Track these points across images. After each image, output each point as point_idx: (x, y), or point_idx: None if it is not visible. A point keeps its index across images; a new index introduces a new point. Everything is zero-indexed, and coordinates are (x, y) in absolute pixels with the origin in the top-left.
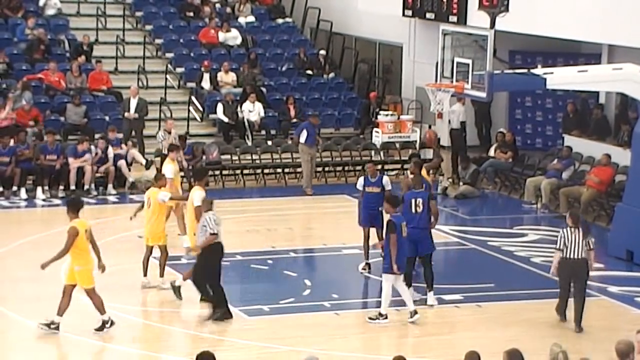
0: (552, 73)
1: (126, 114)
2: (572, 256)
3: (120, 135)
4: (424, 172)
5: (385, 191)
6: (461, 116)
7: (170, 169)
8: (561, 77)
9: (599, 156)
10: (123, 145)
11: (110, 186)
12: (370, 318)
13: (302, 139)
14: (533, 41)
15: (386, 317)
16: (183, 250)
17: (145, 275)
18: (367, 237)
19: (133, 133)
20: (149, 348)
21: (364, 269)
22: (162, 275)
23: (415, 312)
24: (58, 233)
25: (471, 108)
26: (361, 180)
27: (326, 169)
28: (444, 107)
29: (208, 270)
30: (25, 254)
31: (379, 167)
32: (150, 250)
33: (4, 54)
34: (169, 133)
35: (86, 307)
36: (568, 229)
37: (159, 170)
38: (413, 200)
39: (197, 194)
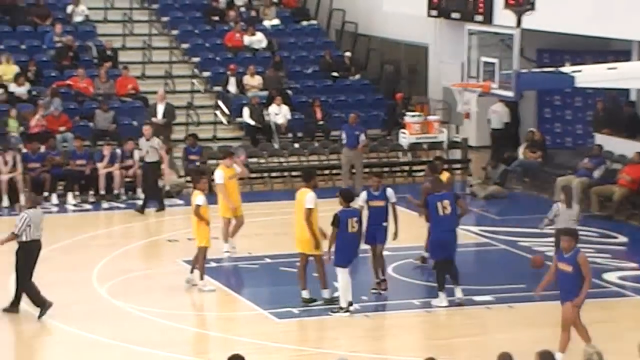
0: (580, 71)
1: (153, 119)
2: (561, 227)
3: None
4: (444, 176)
5: (390, 203)
6: (504, 117)
7: (219, 174)
8: (590, 75)
9: (631, 154)
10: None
11: (139, 190)
12: (332, 311)
13: (343, 141)
14: (561, 39)
15: (347, 310)
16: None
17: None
18: (375, 255)
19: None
20: (181, 352)
21: (374, 289)
22: (201, 277)
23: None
24: (89, 238)
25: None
26: (364, 194)
27: (352, 170)
28: (471, 107)
29: (23, 270)
30: (57, 259)
31: (381, 178)
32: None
33: (33, 62)
34: (147, 140)
35: (121, 313)
36: (560, 204)
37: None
38: (439, 203)
39: (199, 198)
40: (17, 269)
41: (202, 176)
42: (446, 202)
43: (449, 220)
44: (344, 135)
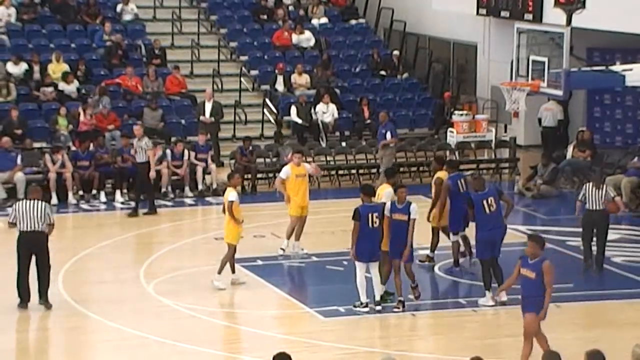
0: (631, 70)
1: (201, 118)
2: (593, 208)
3: (205, 139)
4: (442, 173)
5: (411, 219)
6: (558, 114)
7: (285, 171)
8: None
9: None
10: (210, 153)
11: (187, 189)
12: (354, 305)
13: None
14: (611, 38)
15: (366, 306)
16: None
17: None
18: (397, 270)
19: (209, 136)
20: (226, 349)
21: (396, 307)
22: (219, 272)
23: (366, 305)
24: (137, 235)
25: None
26: (388, 205)
27: (401, 169)
28: (519, 105)
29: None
30: (106, 256)
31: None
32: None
33: (83, 60)
34: (138, 140)
35: (168, 310)
36: (591, 185)
37: (232, 171)
38: (484, 202)
39: (232, 194)
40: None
41: (236, 173)
42: (491, 200)
43: (495, 218)
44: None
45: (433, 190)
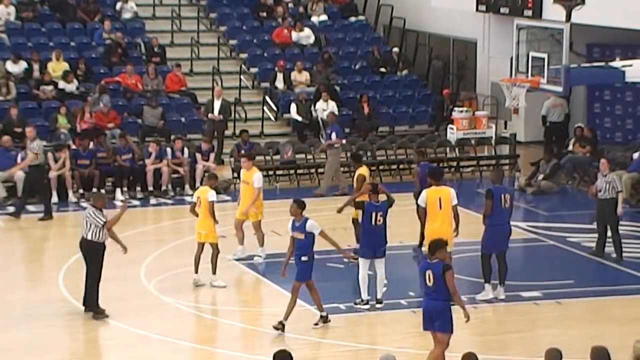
0: (631, 66)
1: (210, 115)
2: (601, 197)
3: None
4: (364, 170)
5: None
6: (566, 109)
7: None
8: None
9: None
10: (211, 156)
11: (187, 187)
12: (355, 303)
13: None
14: (611, 33)
15: (367, 303)
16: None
17: (196, 272)
18: (309, 288)
19: (215, 134)
20: (227, 347)
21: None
22: (213, 272)
23: (380, 302)
24: (138, 233)
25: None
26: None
27: (401, 166)
28: (519, 102)
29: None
30: (107, 255)
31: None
32: (201, 247)
33: (83, 59)
34: (30, 142)
35: (169, 309)
36: (600, 174)
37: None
38: (502, 196)
39: (211, 194)
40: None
41: (215, 174)
42: (508, 196)
43: (507, 215)
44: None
45: (355, 186)
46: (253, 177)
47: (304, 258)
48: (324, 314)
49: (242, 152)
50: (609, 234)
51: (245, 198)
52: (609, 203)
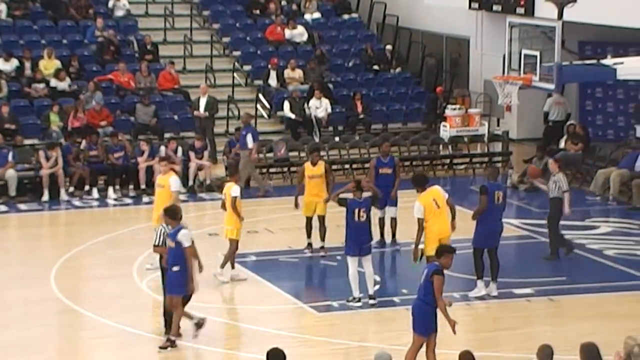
0: (622, 63)
1: (195, 113)
2: (550, 196)
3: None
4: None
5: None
6: (569, 108)
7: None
8: (632, 67)
9: None
10: (205, 153)
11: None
12: (347, 300)
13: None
14: (603, 31)
15: (359, 300)
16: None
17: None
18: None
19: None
20: (221, 345)
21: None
22: (222, 266)
23: (373, 297)
24: (130, 231)
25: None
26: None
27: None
28: (512, 99)
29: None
30: (99, 253)
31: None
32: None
33: (75, 57)
34: None
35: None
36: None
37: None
38: (495, 192)
39: (234, 189)
40: None
41: (237, 169)
42: (501, 193)
43: (499, 212)
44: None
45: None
46: (169, 181)
47: (175, 268)
48: (173, 338)
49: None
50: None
51: (159, 202)
52: (554, 202)
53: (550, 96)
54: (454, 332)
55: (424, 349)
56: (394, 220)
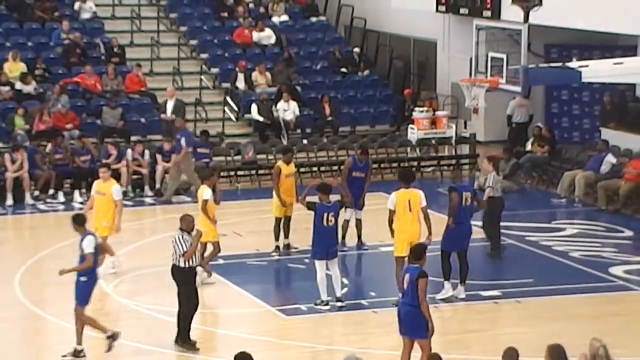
0: (587, 66)
1: (162, 116)
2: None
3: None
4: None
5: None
6: (531, 109)
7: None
8: (597, 70)
9: (637, 149)
10: (173, 156)
11: (146, 188)
12: (315, 304)
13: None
14: (568, 34)
15: (327, 304)
16: None
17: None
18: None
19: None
20: (188, 349)
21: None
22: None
23: (340, 300)
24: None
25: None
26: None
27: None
28: (479, 102)
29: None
30: (64, 257)
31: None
32: (203, 246)
33: (40, 59)
34: None
35: (128, 311)
36: (493, 173)
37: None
38: (464, 194)
39: (206, 192)
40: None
41: (212, 172)
42: (469, 195)
43: (468, 213)
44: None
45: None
46: (111, 189)
47: (82, 278)
48: (80, 347)
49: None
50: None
51: (99, 210)
52: (492, 201)
53: (513, 99)
54: (430, 335)
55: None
56: (359, 222)
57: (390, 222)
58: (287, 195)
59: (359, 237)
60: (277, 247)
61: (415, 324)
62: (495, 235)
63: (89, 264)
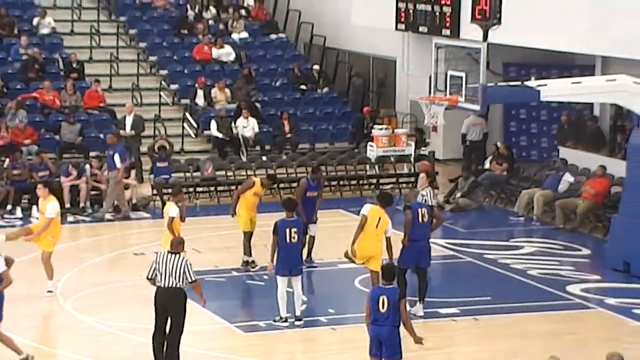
0: (545, 85)
1: (121, 132)
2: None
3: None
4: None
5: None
6: (485, 128)
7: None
8: (555, 89)
9: (594, 168)
10: (132, 172)
11: (105, 203)
12: (273, 320)
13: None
14: (527, 53)
15: (285, 320)
16: None
17: None
18: None
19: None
20: None
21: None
22: None
23: (299, 319)
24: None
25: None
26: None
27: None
28: (438, 120)
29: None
30: (22, 272)
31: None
32: None
33: (0, 75)
34: None
35: (86, 327)
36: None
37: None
38: (419, 211)
39: (173, 210)
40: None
41: (180, 190)
42: (425, 211)
43: (424, 230)
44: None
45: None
46: (47, 206)
47: None
48: (24, 356)
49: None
50: None
51: (43, 229)
52: None
53: (468, 117)
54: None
55: None
56: (312, 238)
57: (361, 227)
58: (252, 211)
59: (309, 253)
60: (246, 261)
61: (395, 344)
62: None
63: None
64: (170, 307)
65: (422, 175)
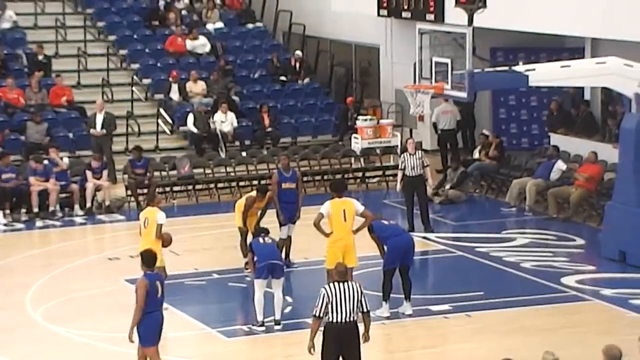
0: (534, 70)
1: (92, 131)
2: (411, 174)
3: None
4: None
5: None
6: (457, 115)
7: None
8: (544, 74)
9: (586, 154)
10: (104, 173)
11: (76, 207)
12: (252, 324)
13: None
14: (514, 37)
15: (262, 324)
16: None
17: None
18: None
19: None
20: None
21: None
22: None
23: (278, 323)
24: (23, 258)
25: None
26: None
27: (305, 178)
28: (424, 109)
29: None
30: None
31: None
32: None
33: None
34: None
35: (59, 338)
36: (407, 154)
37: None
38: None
39: (160, 216)
40: None
41: (154, 192)
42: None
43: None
44: None
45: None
46: None
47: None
48: None
49: (136, 169)
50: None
51: None
52: (419, 179)
53: (438, 106)
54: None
55: None
56: (289, 238)
57: (317, 223)
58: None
59: (287, 254)
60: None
61: None
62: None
63: None
64: (346, 344)
65: (410, 140)
